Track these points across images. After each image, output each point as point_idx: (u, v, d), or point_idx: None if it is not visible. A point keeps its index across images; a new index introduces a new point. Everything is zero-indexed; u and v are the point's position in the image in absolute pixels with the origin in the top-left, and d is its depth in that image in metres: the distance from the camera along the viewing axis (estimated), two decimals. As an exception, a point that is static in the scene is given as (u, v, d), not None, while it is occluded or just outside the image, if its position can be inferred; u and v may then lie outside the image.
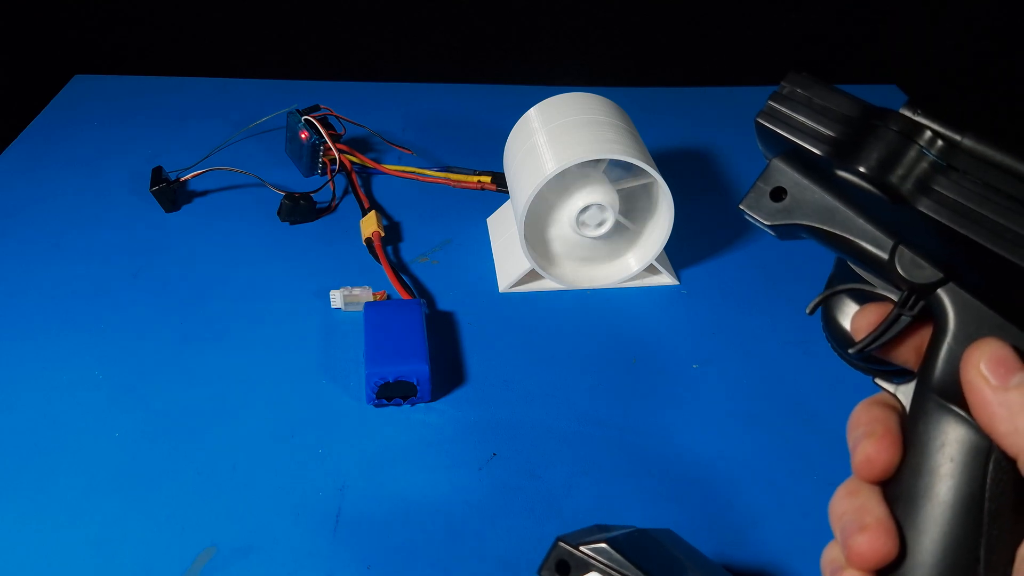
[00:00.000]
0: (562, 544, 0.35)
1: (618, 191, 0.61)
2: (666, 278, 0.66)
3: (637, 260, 0.65)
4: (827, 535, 0.30)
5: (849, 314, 0.34)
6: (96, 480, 0.49)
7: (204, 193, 0.75)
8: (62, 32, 1.22)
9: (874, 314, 0.32)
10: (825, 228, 0.31)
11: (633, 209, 0.64)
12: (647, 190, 0.63)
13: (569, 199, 0.61)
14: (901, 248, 0.29)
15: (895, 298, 0.31)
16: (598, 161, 0.61)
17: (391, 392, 0.54)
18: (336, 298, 0.62)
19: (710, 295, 0.66)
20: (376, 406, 0.54)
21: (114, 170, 0.78)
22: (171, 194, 0.72)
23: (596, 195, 0.60)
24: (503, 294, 0.65)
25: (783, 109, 0.30)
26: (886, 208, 0.28)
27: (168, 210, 0.72)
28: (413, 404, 0.55)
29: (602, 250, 0.65)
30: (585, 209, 0.60)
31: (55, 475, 0.49)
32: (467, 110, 0.91)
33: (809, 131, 0.30)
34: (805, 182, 0.31)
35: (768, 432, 0.54)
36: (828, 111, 0.30)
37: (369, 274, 0.65)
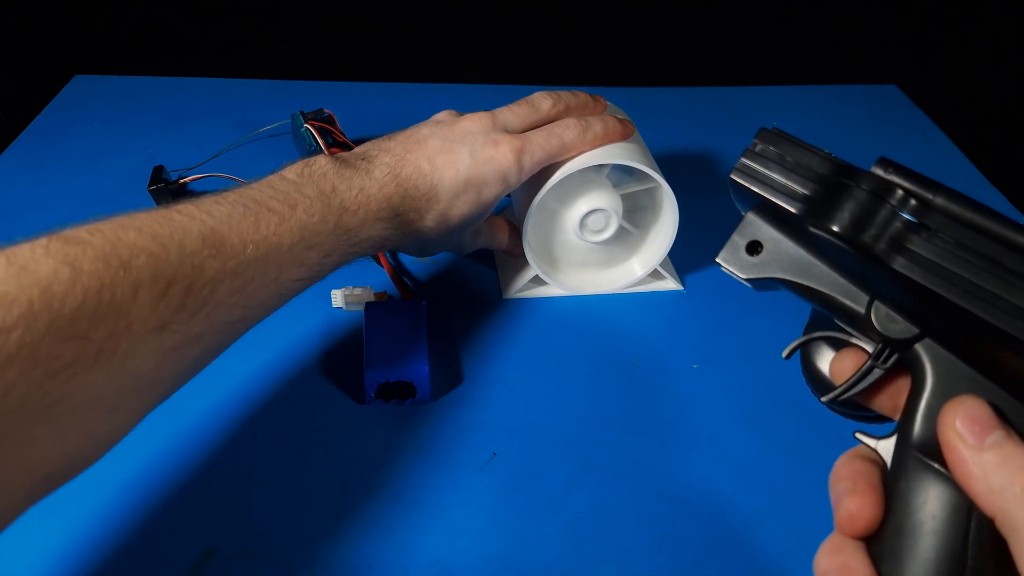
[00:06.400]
0: None
1: (621, 195, 0.61)
2: (671, 283, 0.66)
3: (641, 265, 0.65)
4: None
5: (827, 359, 0.34)
6: (96, 480, 0.49)
7: (204, 194, 0.75)
8: (62, 32, 1.22)
9: (850, 360, 0.32)
10: (801, 282, 0.31)
11: (637, 213, 0.64)
12: (651, 194, 0.63)
13: (572, 204, 0.60)
14: (877, 303, 0.30)
15: (869, 349, 0.31)
16: (601, 166, 0.61)
17: (391, 392, 0.54)
18: (337, 298, 0.62)
19: (711, 295, 0.66)
20: (376, 406, 0.54)
21: (114, 170, 0.78)
22: (168, 195, 0.72)
23: (599, 200, 0.59)
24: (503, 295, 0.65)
25: (756, 166, 0.31)
26: (860, 265, 0.29)
27: (168, 210, 0.72)
28: (413, 404, 0.55)
29: (606, 255, 0.65)
30: (588, 214, 0.60)
31: (55, 475, 0.49)
32: (467, 110, 0.91)
33: (782, 188, 0.30)
34: (780, 236, 0.32)
35: (768, 432, 0.54)
36: (800, 168, 0.30)
37: (370, 274, 0.65)
